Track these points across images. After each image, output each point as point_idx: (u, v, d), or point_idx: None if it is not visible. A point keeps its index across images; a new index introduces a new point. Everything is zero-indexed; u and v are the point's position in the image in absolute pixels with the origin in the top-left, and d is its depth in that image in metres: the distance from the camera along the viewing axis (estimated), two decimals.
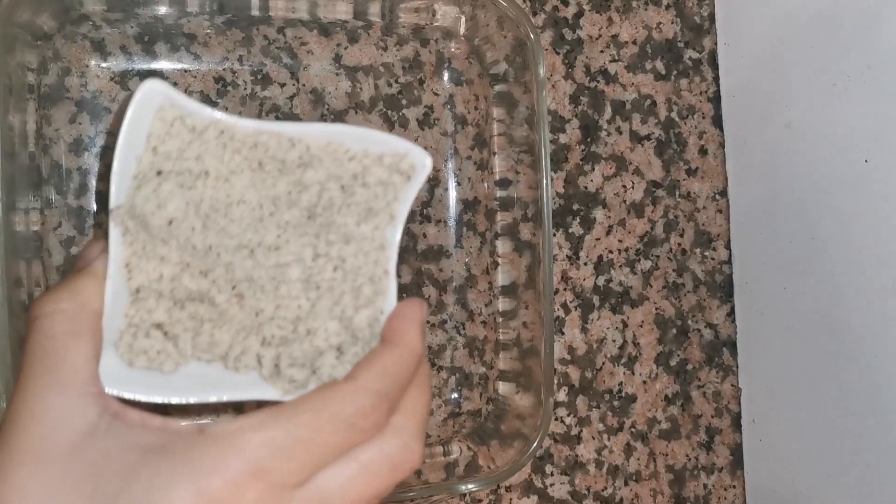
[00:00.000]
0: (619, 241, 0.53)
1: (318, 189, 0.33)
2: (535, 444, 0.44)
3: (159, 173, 0.31)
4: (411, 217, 0.48)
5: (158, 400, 0.31)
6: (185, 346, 0.32)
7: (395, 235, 0.34)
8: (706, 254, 0.54)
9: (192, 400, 0.31)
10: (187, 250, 0.32)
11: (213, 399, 0.32)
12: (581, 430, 0.52)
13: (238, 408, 0.44)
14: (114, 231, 0.31)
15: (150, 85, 0.31)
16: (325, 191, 0.33)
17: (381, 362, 0.29)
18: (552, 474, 0.51)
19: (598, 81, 0.53)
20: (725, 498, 0.54)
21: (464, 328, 0.49)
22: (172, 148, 0.32)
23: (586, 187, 0.52)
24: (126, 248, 0.31)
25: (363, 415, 0.27)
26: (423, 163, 0.33)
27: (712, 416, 0.54)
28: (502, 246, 0.49)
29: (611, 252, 0.53)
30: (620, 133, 0.53)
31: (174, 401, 0.31)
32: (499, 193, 0.49)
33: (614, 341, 0.53)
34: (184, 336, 0.32)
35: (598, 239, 0.52)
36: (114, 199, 0.31)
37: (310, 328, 0.33)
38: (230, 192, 0.32)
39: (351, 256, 0.34)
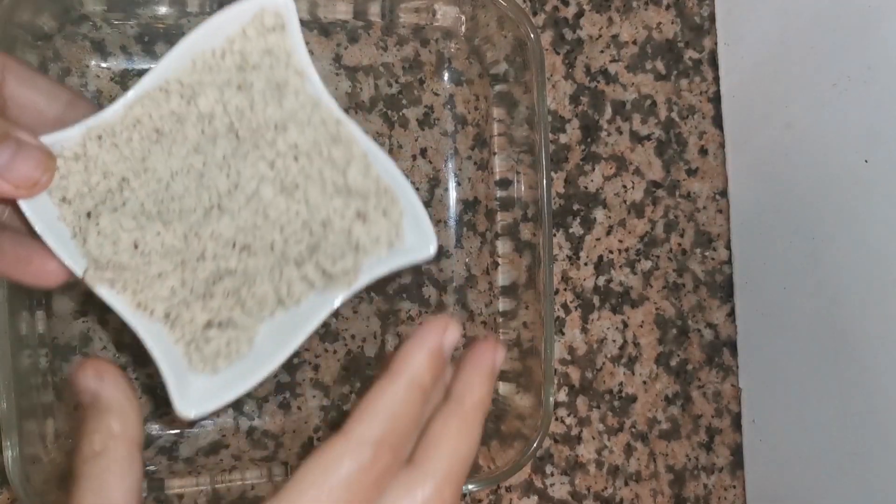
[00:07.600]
0: (620, 241, 0.53)
1: (222, 108, 0.31)
2: (535, 445, 0.44)
3: (89, 215, 0.30)
4: None
5: (255, 382, 0.31)
6: (243, 319, 0.31)
7: (317, 84, 0.32)
8: (706, 254, 0.54)
9: (279, 361, 0.31)
10: (171, 253, 0.31)
11: (295, 346, 0.31)
12: (581, 431, 0.52)
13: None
14: (102, 291, 0.30)
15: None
16: (227, 104, 0.31)
17: (370, 404, 0.26)
18: (552, 474, 0.51)
19: (598, 81, 0.53)
20: (725, 498, 0.54)
21: (464, 328, 0.49)
22: (78, 184, 0.30)
23: (586, 187, 0.52)
24: (126, 296, 0.31)
25: (365, 470, 0.25)
26: (286, 4, 0.31)
27: (712, 416, 0.54)
28: (502, 246, 0.49)
29: (611, 252, 0.53)
30: (620, 133, 0.53)
31: (266, 373, 0.31)
32: (499, 193, 0.49)
33: (614, 341, 0.53)
34: (234, 313, 0.31)
35: (598, 239, 0.52)
36: (76, 268, 0.30)
37: (322, 220, 0.31)
38: (158, 177, 0.31)
39: (299, 137, 0.31)
